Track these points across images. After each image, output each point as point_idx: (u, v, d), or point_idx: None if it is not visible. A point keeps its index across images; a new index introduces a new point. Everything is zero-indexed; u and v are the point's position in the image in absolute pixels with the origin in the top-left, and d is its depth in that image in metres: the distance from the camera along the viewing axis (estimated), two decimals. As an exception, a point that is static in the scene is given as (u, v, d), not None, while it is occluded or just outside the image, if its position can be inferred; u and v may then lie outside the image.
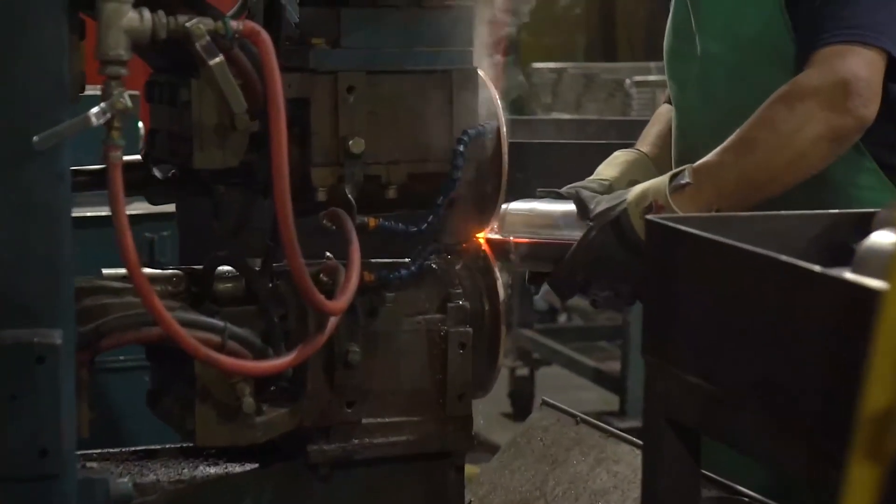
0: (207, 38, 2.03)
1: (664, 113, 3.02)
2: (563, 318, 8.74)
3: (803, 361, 1.63)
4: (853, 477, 1.14)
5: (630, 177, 2.80)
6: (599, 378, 6.84)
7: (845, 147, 2.51)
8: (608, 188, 2.73)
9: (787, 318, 1.65)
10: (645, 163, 2.88)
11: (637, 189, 2.52)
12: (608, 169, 2.84)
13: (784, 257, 1.66)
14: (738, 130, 2.51)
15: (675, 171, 2.52)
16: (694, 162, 2.55)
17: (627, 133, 3.29)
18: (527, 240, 2.57)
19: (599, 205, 2.52)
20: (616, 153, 2.89)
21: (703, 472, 2.10)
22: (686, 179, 2.47)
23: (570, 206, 2.58)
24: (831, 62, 2.49)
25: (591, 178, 2.79)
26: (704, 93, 2.78)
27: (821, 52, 2.50)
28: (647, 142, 2.97)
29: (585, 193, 2.57)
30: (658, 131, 2.98)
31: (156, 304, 1.95)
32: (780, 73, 2.61)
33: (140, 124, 3.72)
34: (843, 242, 1.94)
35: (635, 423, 6.05)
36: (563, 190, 2.68)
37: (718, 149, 2.52)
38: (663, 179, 2.50)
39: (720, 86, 2.74)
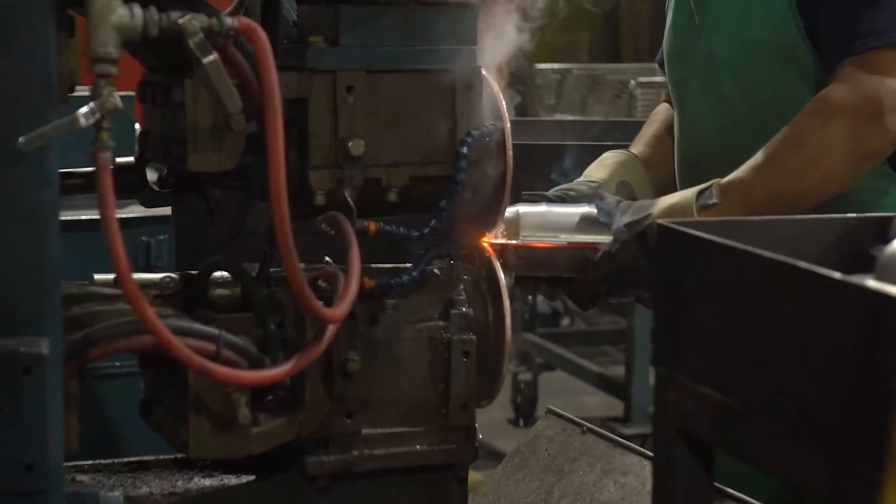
0: (201, 35, 1.98)
1: (661, 112, 3.01)
2: (566, 322, 8.73)
3: (822, 372, 1.58)
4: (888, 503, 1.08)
5: (619, 178, 2.79)
6: (603, 383, 6.82)
7: (877, 162, 2.51)
8: (597, 189, 2.70)
9: (805, 326, 1.60)
10: (634, 164, 2.86)
11: (663, 204, 2.49)
12: (598, 170, 2.82)
13: (802, 263, 1.61)
14: (765, 147, 2.48)
15: (701, 187, 2.48)
16: (699, 164, 2.53)
17: (632, 134, 3.26)
18: (546, 244, 2.53)
19: (623, 216, 2.49)
20: (605, 154, 2.88)
21: (716, 484, 2.05)
22: (714, 199, 2.44)
23: (584, 209, 2.54)
24: (860, 76, 2.45)
25: (580, 179, 2.79)
26: (710, 94, 2.75)
27: (848, 62, 2.46)
28: (640, 142, 2.97)
29: (611, 199, 2.54)
30: (654, 131, 2.97)
31: (147, 312, 1.89)
32: (790, 74, 2.58)
33: (137, 126, 3.68)
34: (861, 248, 1.89)
35: (640, 429, 6.04)
36: (551, 192, 2.65)
37: (746, 166, 2.49)
38: (690, 197, 2.47)
39: (727, 87, 2.71)
